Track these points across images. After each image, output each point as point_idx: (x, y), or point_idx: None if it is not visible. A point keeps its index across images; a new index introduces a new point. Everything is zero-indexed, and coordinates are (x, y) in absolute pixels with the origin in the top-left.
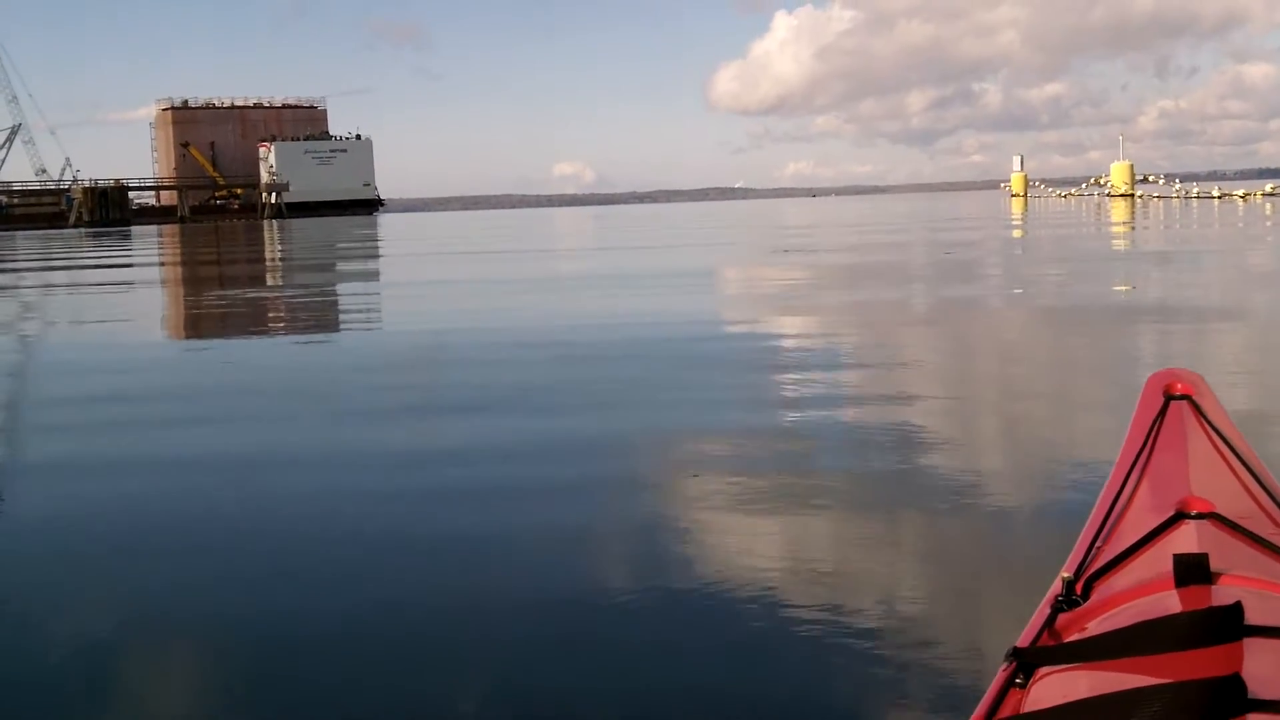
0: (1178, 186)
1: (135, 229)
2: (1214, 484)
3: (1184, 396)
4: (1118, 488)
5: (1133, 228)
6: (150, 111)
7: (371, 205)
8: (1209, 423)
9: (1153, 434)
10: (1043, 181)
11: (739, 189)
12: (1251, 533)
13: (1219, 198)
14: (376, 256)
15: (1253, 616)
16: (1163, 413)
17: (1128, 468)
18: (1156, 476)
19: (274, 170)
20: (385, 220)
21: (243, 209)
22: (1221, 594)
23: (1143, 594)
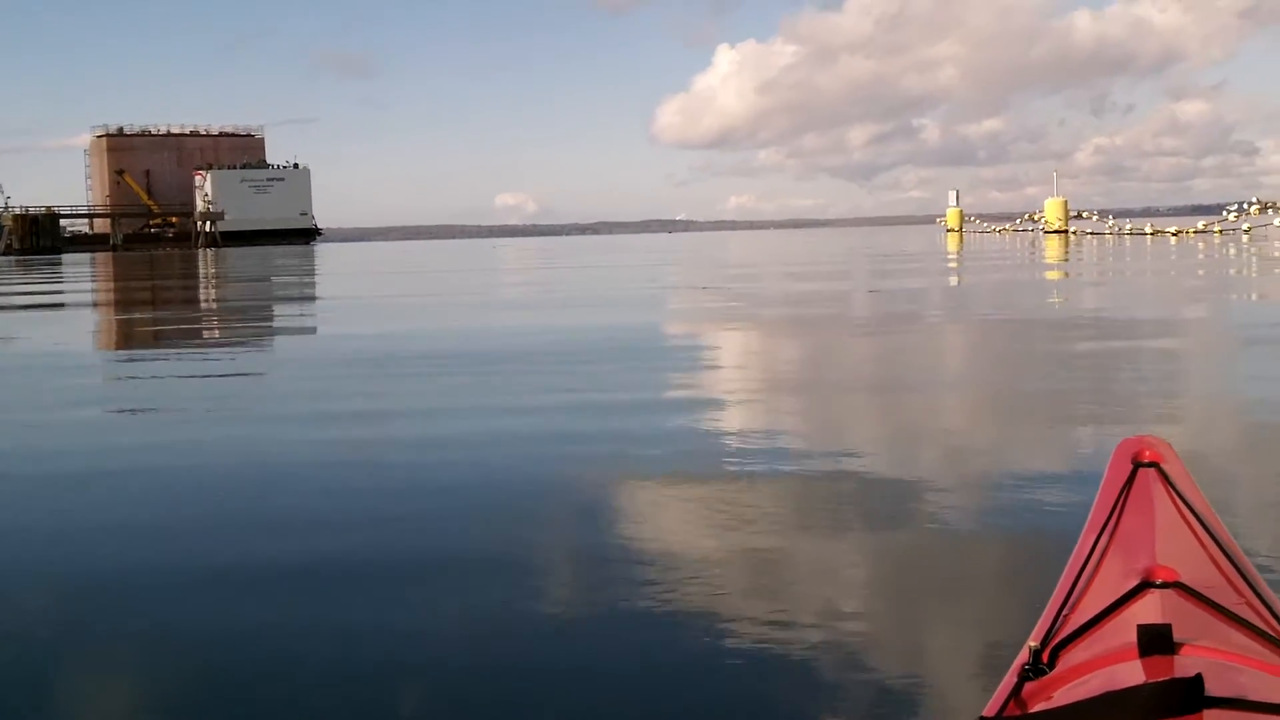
0: (1111, 223)
1: (66, 257)
2: (1179, 553)
3: (1152, 464)
4: (1085, 555)
5: (1060, 265)
6: (86, 139)
7: (309, 235)
8: (1176, 491)
9: (1120, 501)
10: (978, 217)
11: (681, 221)
12: (1215, 602)
13: (1151, 234)
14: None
15: (1213, 688)
16: (1130, 480)
17: (1095, 535)
18: (1123, 545)
19: (209, 199)
20: (320, 250)
21: (177, 237)
22: (1184, 664)
23: (1107, 663)
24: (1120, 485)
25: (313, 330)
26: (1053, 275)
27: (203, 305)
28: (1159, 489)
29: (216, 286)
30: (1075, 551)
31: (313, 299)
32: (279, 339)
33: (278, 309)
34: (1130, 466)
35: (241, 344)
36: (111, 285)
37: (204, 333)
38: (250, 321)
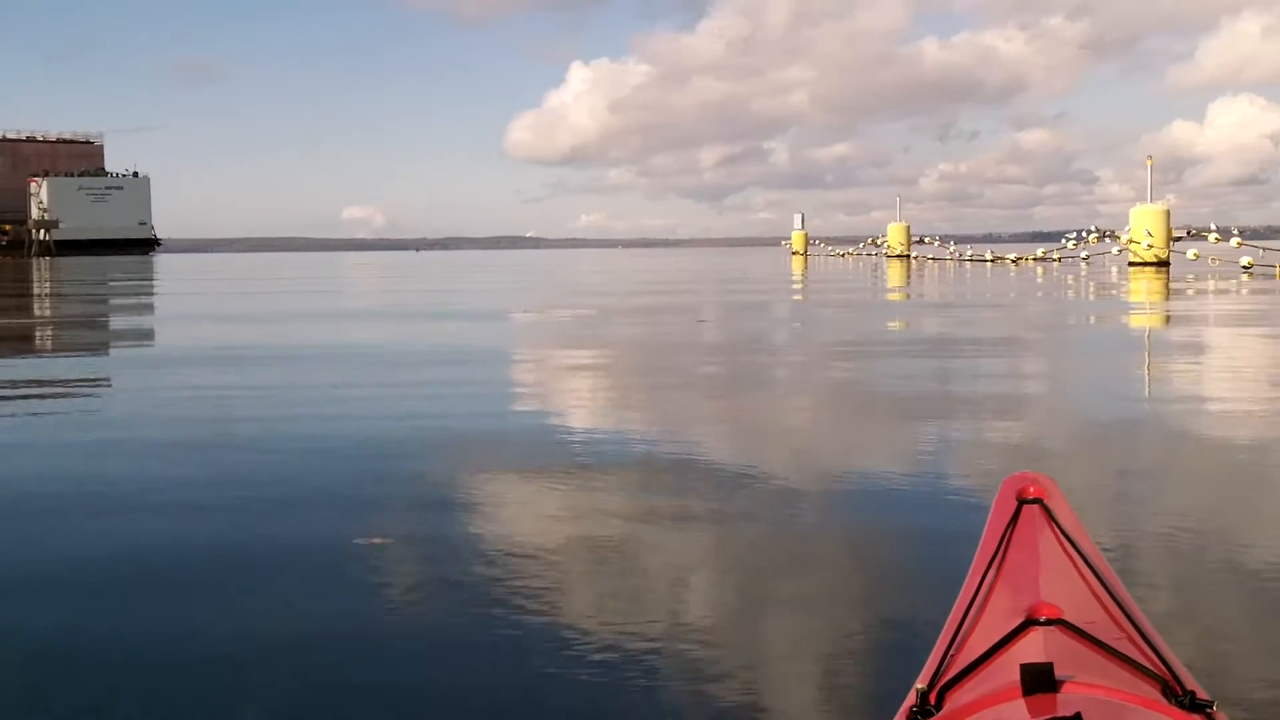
0: (952, 248)
1: None
2: (1063, 590)
3: (1036, 500)
4: (971, 594)
5: (897, 288)
6: None
7: (148, 245)
8: (1059, 527)
9: (1006, 539)
10: (823, 240)
11: (531, 238)
12: (1097, 639)
13: (991, 261)
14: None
15: None
16: (1015, 517)
17: (981, 573)
18: (1008, 583)
19: (45, 206)
20: (158, 261)
21: (10, 246)
22: (1066, 702)
23: (992, 703)
24: (1005, 522)
25: None
26: (858, 303)
27: None
28: (1043, 526)
29: None
30: (962, 590)
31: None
32: None
33: None
34: (1015, 503)
35: None
36: None
37: None
38: None
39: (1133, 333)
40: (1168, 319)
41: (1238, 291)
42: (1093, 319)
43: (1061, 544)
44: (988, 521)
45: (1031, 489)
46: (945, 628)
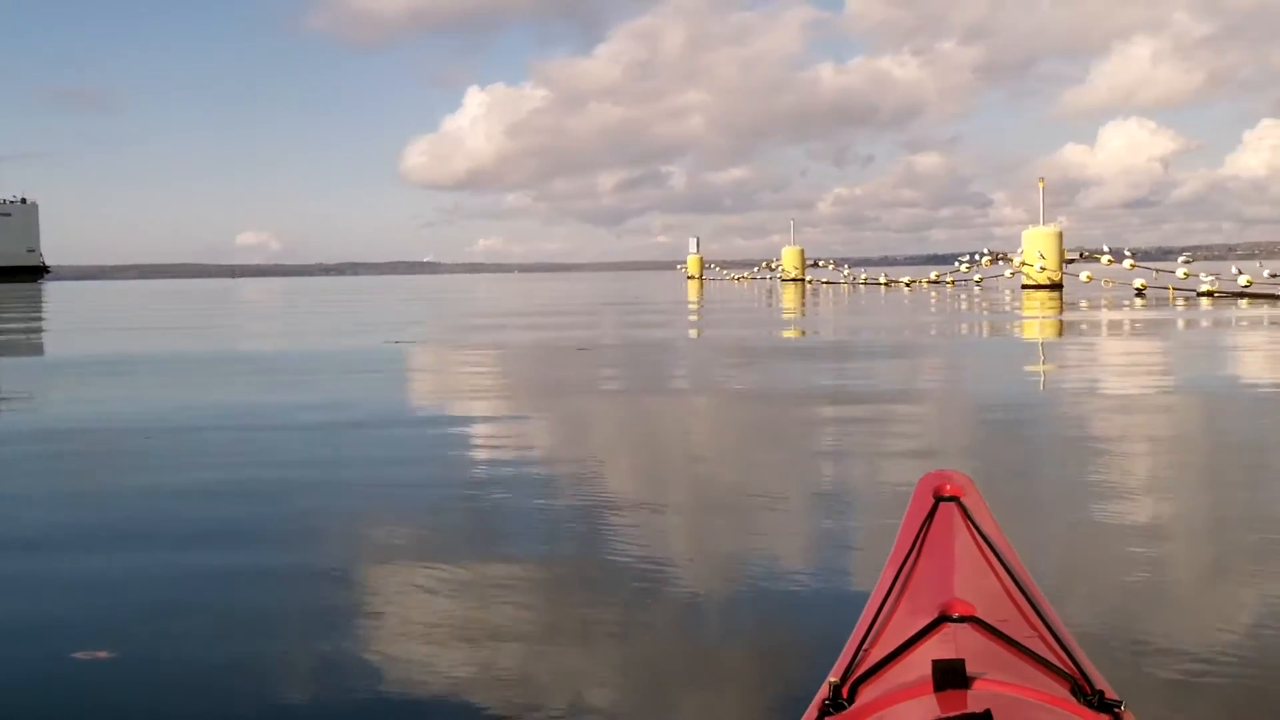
0: (846, 272)
1: None
2: (976, 587)
3: (952, 498)
4: (886, 589)
5: (790, 320)
6: None
7: (36, 272)
8: (974, 525)
9: (921, 536)
10: (718, 264)
11: (428, 263)
12: (1008, 636)
13: (885, 285)
14: None
15: None
16: (931, 514)
17: (896, 569)
18: (922, 579)
19: None
20: (36, 290)
21: None
22: (976, 698)
23: (904, 698)
24: (921, 519)
25: None
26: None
27: None
28: (959, 523)
29: None
30: (876, 586)
31: None
32: None
33: None
34: (932, 501)
35: None
36: None
37: None
38: None
39: (1027, 376)
40: (1058, 351)
41: (1129, 327)
42: (988, 354)
43: (976, 541)
44: (904, 517)
45: (948, 486)
46: (859, 622)
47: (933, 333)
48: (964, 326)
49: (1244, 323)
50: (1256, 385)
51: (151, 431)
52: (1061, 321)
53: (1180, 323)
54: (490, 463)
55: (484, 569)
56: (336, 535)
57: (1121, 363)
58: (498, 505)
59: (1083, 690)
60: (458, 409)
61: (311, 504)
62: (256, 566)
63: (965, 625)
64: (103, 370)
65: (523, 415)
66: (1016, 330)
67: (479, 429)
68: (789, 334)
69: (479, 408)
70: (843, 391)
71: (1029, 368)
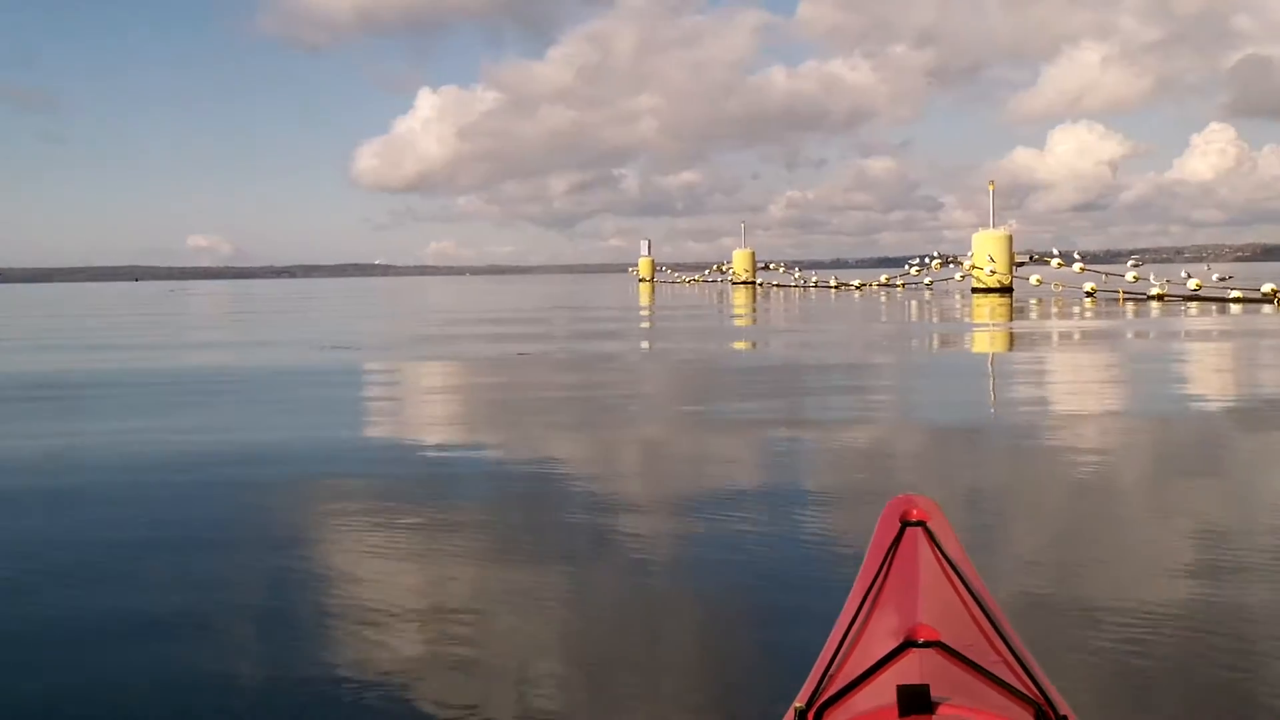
0: (797, 275)
1: None
2: (941, 612)
3: (919, 523)
4: (852, 614)
5: (740, 327)
6: None
7: None
8: (940, 549)
9: (887, 561)
10: (672, 266)
11: (379, 265)
12: (973, 662)
13: (836, 288)
14: None
15: None
16: (898, 539)
17: (863, 594)
18: (888, 604)
19: None
20: None
21: None
22: None
23: None
24: (888, 544)
25: None
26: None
27: None
28: (924, 548)
29: None
30: (843, 610)
31: None
32: None
33: None
34: (898, 525)
35: None
36: None
37: None
38: None
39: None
40: (1009, 356)
41: (1086, 336)
42: (943, 375)
43: (942, 566)
44: (871, 542)
45: (914, 511)
46: (825, 647)
47: (884, 345)
48: (914, 342)
49: (1206, 331)
50: (1236, 401)
51: None
52: (1011, 333)
53: (1131, 333)
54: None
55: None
56: None
57: (1088, 379)
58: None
59: (1046, 716)
60: (349, 444)
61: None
62: None
63: (931, 650)
64: None
65: (414, 450)
66: (970, 342)
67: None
68: (739, 345)
69: (368, 447)
70: (790, 423)
71: (988, 388)
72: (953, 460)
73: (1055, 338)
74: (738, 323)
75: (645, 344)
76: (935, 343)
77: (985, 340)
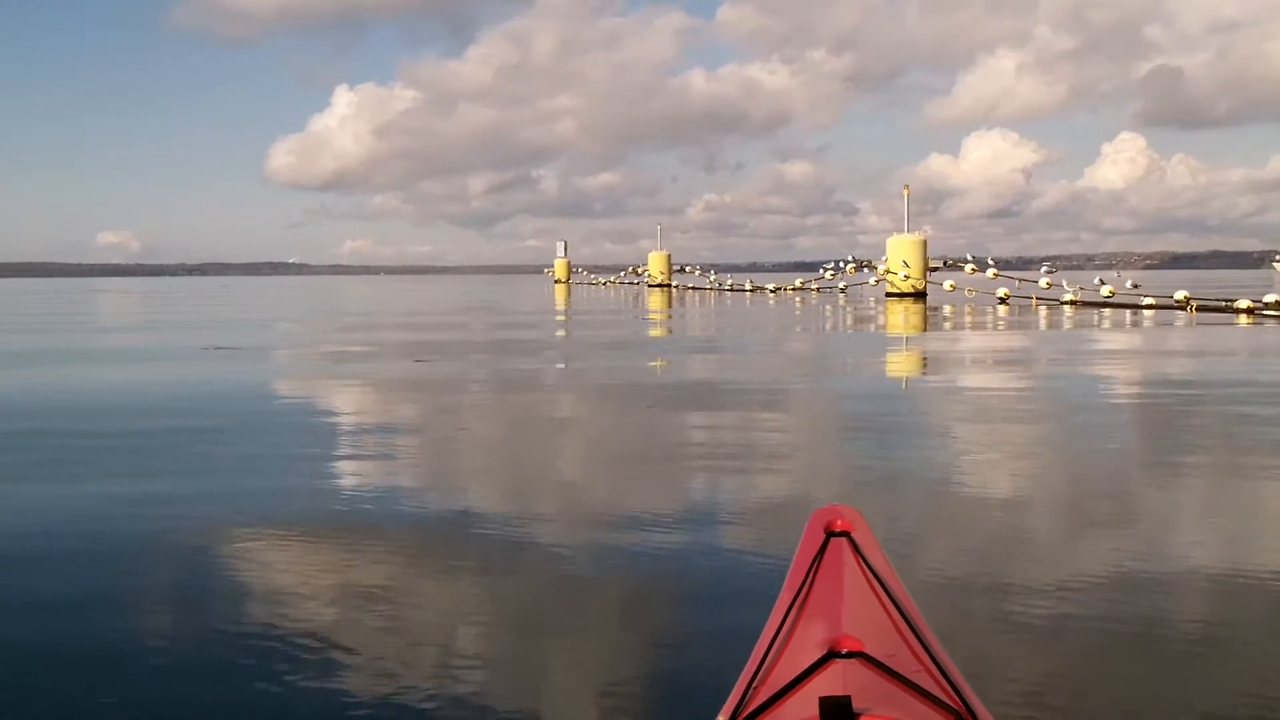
0: (713, 278)
1: None
2: (865, 622)
3: (843, 533)
4: (777, 626)
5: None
6: None
7: None
8: (864, 560)
9: (812, 572)
10: (587, 268)
11: (294, 264)
12: (895, 672)
13: (750, 291)
14: None
15: None
16: (822, 550)
17: (788, 606)
18: (813, 615)
19: None
20: None
21: None
22: None
23: None
24: (813, 555)
25: None
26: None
27: None
28: (849, 559)
29: None
30: (769, 622)
31: None
32: None
33: None
34: (823, 536)
35: None
36: None
37: None
38: None
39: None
40: (923, 361)
41: (1000, 345)
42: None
43: (866, 577)
44: (796, 553)
45: (839, 522)
46: (750, 659)
47: (797, 354)
48: (839, 363)
49: (1124, 339)
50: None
51: None
52: (924, 357)
53: (1045, 336)
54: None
55: None
56: None
57: (1006, 389)
58: None
59: None
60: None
61: None
62: None
63: (854, 661)
64: None
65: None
66: (889, 352)
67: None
68: (642, 360)
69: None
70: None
71: (905, 404)
72: (863, 477)
73: (974, 344)
74: (658, 329)
75: (532, 361)
76: (850, 361)
77: (899, 354)
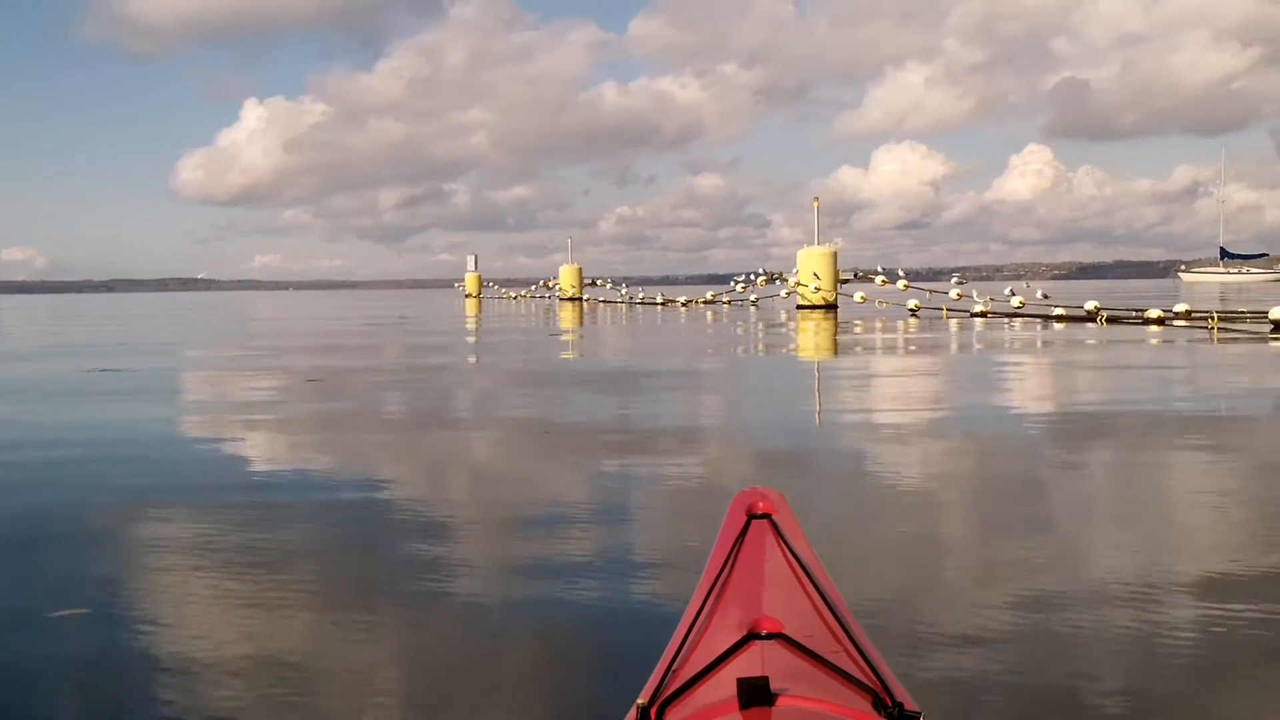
0: (624, 290)
1: None
2: (785, 604)
3: (765, 515)
4: (697, 608)
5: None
6: None
7: None
8: (785, 542)
9: (733, 554)
10: (499, 282)
11: (202, 280)
12: (814, 652)
13: (662, 304)
14: None
15: None
16: (744, 532)
17: (708, 588)
18: (733, 597)
19: None
20: None
21: None
22: (781, 715)
23: (710, 718)
24: (734, 537)
25: None
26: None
27: None
28: (770, 540)
29: None
30: (689, 605)
31: None
32: None
33: None
34: (745, 518)
35: None
36: None
37: None
38: None
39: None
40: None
41: (910, 356)
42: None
43: (787, 558)
44: (718, 536)
45: (760, 504)
46: (670, 643)
47: (707, 373)
48: (754, 380)
49: (1033, 347)
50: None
51: None
52: (837, 366)
53: (955, 346)
54: None
55: None
56: None
57: (920, 399)
58: None
59: (884, 703)
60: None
61: None
62: None
63: (773, 642)
64: None
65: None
66: (799, 365)
67: None
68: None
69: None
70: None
71: (818, 414)
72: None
73: (882, 364)
74: (570, 343)
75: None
76: (768, 374)
77: (818, 371)
